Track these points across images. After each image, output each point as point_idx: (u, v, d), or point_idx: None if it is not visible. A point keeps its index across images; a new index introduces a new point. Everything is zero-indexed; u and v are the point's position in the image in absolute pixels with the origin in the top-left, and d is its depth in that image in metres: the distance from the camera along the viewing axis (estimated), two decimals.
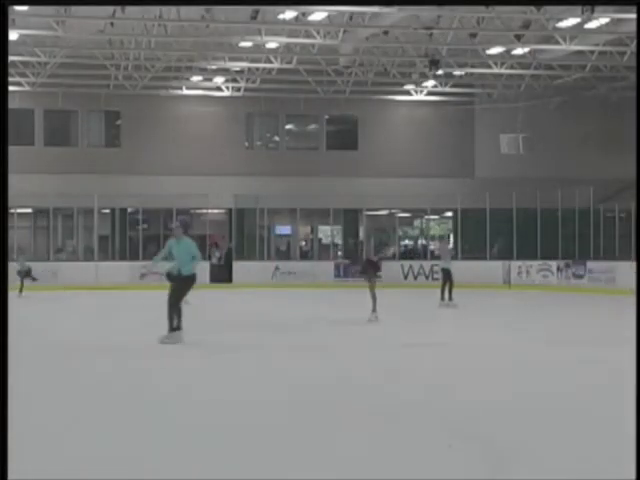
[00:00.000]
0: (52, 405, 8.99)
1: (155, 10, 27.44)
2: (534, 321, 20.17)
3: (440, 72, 34.82)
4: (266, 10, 27.31)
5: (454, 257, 30.73)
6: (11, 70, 33.75)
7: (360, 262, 21.81)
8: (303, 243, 42.32)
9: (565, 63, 34.81)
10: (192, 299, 25.81)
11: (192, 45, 32.11)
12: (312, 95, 38.91)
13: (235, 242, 38.97)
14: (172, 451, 6.95)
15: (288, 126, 41.69)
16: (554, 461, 6.62)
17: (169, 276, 15.08)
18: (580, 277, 33.73)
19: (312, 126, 41.87)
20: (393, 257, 37.64)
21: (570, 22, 28.11)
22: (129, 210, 39.68)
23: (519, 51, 32.62)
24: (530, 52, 32.85)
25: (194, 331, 17.18)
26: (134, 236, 39.00)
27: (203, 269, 35.76)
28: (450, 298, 23.91)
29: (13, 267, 33.48)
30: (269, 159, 40.45)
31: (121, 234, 39.21)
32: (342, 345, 14.75)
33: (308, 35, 29.74)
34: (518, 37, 29.55)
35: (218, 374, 11.26)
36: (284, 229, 42.05)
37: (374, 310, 19.21)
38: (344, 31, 29.25)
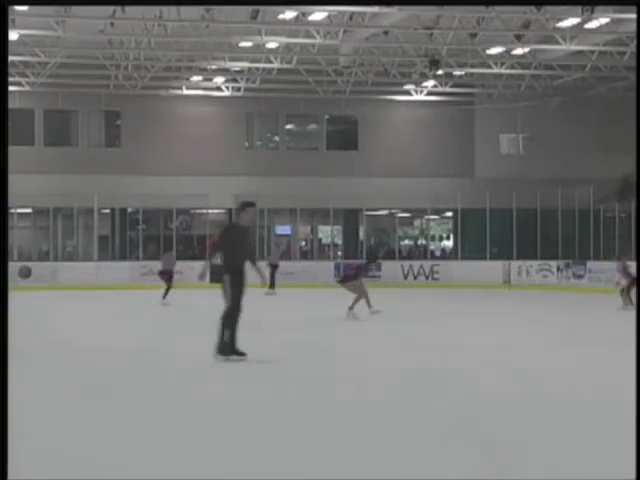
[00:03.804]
0: (52, 405, 8.99)
1: (155, 10, 27.45)
2: (534, 321, 20.17)
3: (440, 72, 34.82)
4: (266, 10, 27.31)
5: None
6: (11, 70, 33.75)
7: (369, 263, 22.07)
8: (303, 243, 42.32)
9: (565, 63, 34.81)
10: (192, 299, 25.88)
11: (192, 45, 32.11)
12: (312, 95, 38.91)
13: None
14: (171, 452, 6.94)
15: (288, 126, 41.69)
16: (554, 461, 6.62)
17: None
18: (580, 277, 33.75)
19: (312, 126, 41.87)
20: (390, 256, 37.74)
21: (570, 22, 28.12)
22: (129, 210, 39.69)
23: (519, 51, 32.64)
24: (530, 52, 32.87)
25: (194, 331, 17.18)
26: (134, 236, 39.02)
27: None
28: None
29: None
30: (269, 159, 40.45)
31: (121, 234, 39.22)
32: (342, 345, 14.75)
33: (308, 35, 29.74)
34: (518, 37, 29.55)
35: (218, 374, 11.26)
36: (284, 229, 42.05)
37: (370, 305, 19.64)
38: (344, 31, 29.25)
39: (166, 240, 37.37)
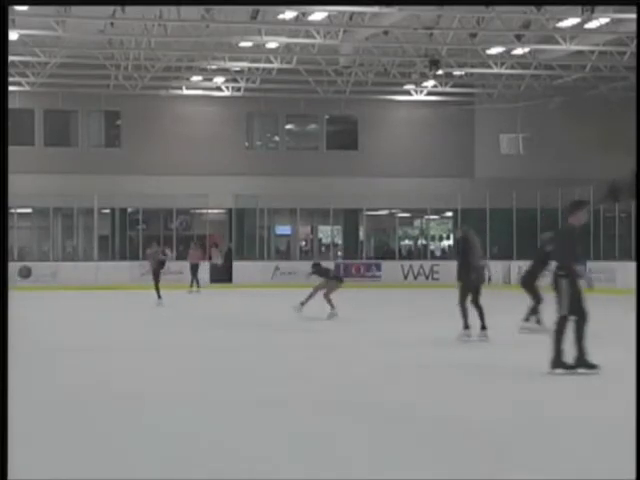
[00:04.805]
0: (52, 405, 8.98)
1: (155, 10, 27.46)
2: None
3: (440, 72, 34.83)
4: (266, 10, 27.32)
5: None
6: (11, 70, 33.75)
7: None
8: (303, 243, 42.33)
9: (565, 63, 34.83)
10: (192, 299, 25.85)
11: (192, 45, 32.13)
12: (312, 95, 38.92)
13: (235, 242, 38.98)
14: (170, 451, 6.94)
15: (288, 126, 41.70)
16: (554, 461, 6.62)
17: None
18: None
19: (312, 126, 41.89)
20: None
21: (570, 22, 28.13)
22: (129, 210, 39.70)
23: (519, 51, 32.64)
24: (530, 52, 32.87)
25: (194, 331, 17.19)
26: (134, 236, 39.03)
27: (203, 269, 36.00)
28: None
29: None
30: (269, 159, 40.47)
31: (121, 234, 39.23)
32: (342, 344, 14.75)
33: (308, 35, 29.76)
34: (518, 37, 29.57)
35: (218, 374, 11.26)
36: (284, 229, 42.06)
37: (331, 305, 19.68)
38: (344, 31, 29.26)
39: (166, 240, 37.39)
